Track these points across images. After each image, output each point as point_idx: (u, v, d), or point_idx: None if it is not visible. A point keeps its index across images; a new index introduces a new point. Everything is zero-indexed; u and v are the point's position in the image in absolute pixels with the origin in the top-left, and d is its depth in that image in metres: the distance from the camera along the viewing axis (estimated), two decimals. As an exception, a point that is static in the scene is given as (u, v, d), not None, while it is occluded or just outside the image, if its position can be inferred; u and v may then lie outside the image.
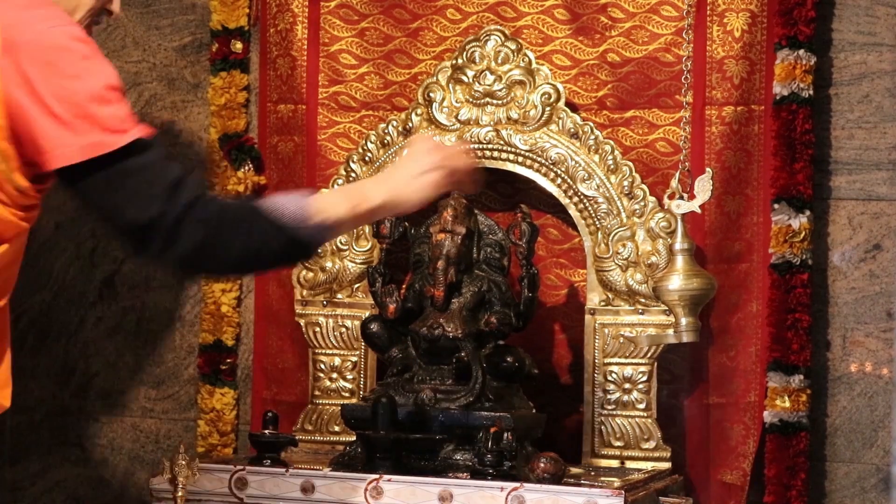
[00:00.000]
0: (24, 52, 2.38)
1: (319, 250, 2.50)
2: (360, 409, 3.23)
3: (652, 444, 3.40)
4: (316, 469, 3.13)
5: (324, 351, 3.60)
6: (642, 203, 3.43)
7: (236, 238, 2.37)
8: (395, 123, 3.57)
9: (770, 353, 3.44)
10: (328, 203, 2.43)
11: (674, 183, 3.34)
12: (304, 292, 3.61)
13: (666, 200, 3.35)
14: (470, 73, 3.53)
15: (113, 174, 2.34)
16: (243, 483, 3.11)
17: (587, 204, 3.45)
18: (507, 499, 2.93)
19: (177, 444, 3.05)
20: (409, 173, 2.52)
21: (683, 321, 3.26)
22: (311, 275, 3.60)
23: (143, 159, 2.35)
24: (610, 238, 3.43)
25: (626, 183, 3.43)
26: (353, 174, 3.58)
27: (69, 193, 2.41)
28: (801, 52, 3.44)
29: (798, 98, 3.43)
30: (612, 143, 3.46)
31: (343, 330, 3.59)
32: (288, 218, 2.37)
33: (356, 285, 3.58)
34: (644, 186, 3.43)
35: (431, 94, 3.55)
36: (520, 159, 3.50)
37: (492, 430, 3.01)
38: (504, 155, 3.51)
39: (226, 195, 2.35)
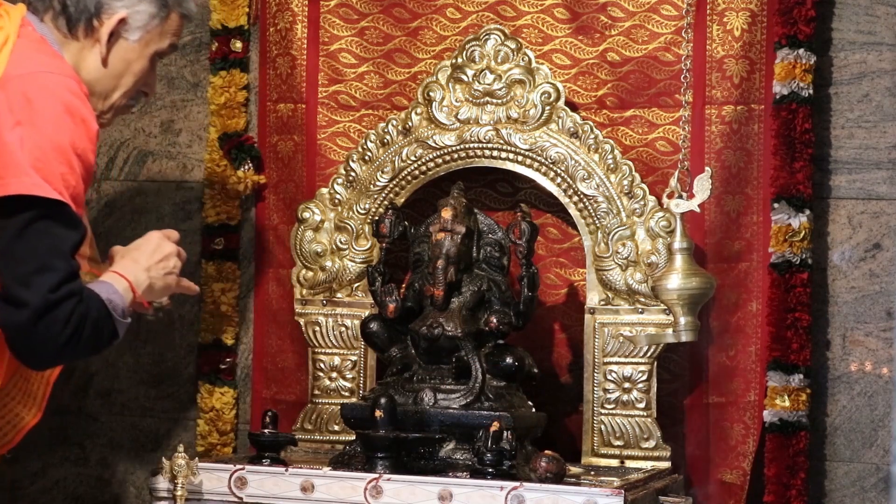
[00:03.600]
0: (14, 84, 2.50)
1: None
2: (359, 409, 3.23)
3: (651, 444, 3.40)
4: (315, 468, 3.13)
5: (323, 350, 3.60)
6: (642, 202, 3.43)
7: (93, 341, 2.57)
8: (394, 122, 3.57)
9: (770, 353, 3.44)
10: (125, 291, 2.67)
11: (673, 182, 3.34)
12: (304, 291, 3.61)
13: (665, 199, 3.35)
14: (470, 73, 3.53)
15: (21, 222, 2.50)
16: (243, 482, 3.11)
17: (587, 203, 3.45)
18: (506, 498, 2.93)
19: (176, 443, 3.05)
20: (161, 270, 2.77)
21: (682, 320, 3.26)
22: (310, 274, 3.60)
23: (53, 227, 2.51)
24: (609, 237, 3.43)
25: (625, 182, 3.43)
26: (352, 173, 3.58)
27: None
28: (801, 51, 3.44)
29: (798, 97, 3.43)
30: (611, 142, 3.46)
31: (343, 329, 3.59)
32: (118, 313, 2.62)
33: (356, 284, 3.58)
34: (644, 185, 3.43)
35: (431, 94, 3.55)
36: (519, 158, 3.50)
37: (491, 429, 3.01)
38: (504, 154, 3.51)
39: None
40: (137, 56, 2.79)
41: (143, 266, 2.73)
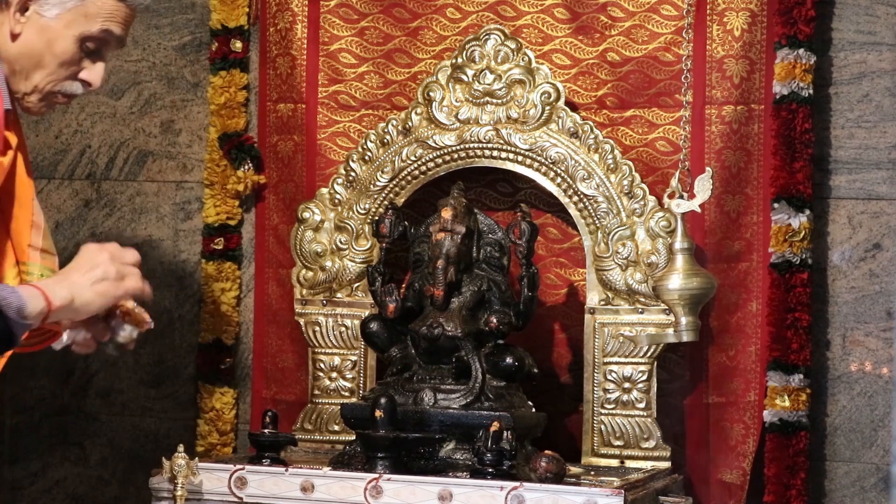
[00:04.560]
0: None
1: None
2: (359, 409, 3.23)
3: (652, 444, 3.40)
4: (315, 468, 3.13)
5: (323, 350, 3.60)
6: (642, 202, 3.43)
7: None
8: (394, 122, 3.57)
9: (770, 353, 3.44)
10: (32, 297, 2.44)
11: (674, 182, 3.34)
12: (304, 291, 3.61)
13: (666, 200, 3.35)
14: (470, 73, 3.53)
15: None
16: (243, 482, 3.11)
17: (587, 203, 3.45)
18: (506, 498, 2.93)
19: (176, 443, 3.04)
20: (88, 280, 2.51)
21: (683, 320, 3.26)
22: (310, 274, 3.60)
23: None
24: (610, 237, 3.43)
25: (625, 182, 3.43)
26: (352, 173, 3.58)
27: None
28: (801, 51, 3.44)
29: (798, 97, 3.43)
30: (611, 142, 3.46)
31: (343, 329, 3.59)
32: (12, 311, 2.40)
33: (356, 284, 3.58)
34: (644, 186, 3.43)
35: (431, 94, 3.55)
36: (519, 158, 3.50)
37: (491, 429, 3.01)
38: (504, 154, 3.51)
39: None
40: (57, 36, 2.56)
41: (71, 279, 2.51)
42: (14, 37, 2.54)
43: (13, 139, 2.56)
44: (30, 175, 2.66)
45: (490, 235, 3.38)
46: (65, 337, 2.62)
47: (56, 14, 2.55)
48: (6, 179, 2.56)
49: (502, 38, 3.52)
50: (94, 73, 2.63)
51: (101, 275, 2.52)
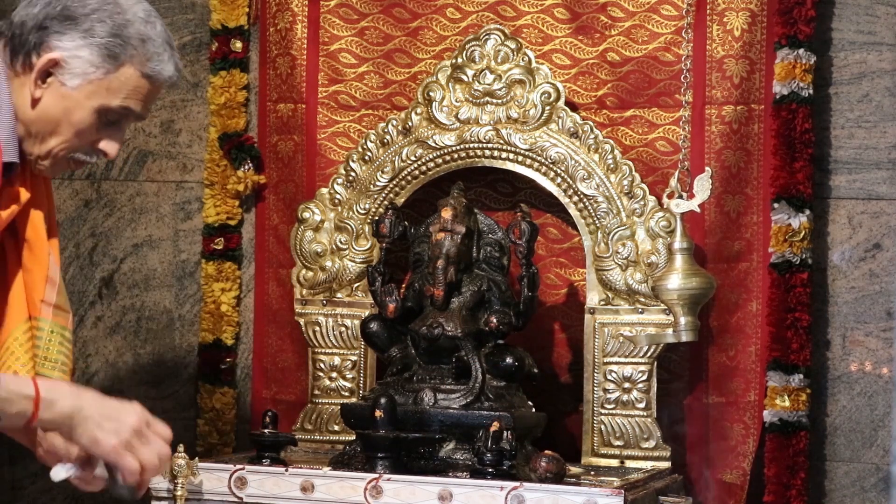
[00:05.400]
0: None
1: None
2: (359, 409, 3.23)
3: (651, 444, 3.40)
4: (315, 468, 3.13)
5: (323, 350, 3.60)
6: (642, 202, 3.43)
7: None
8: (394, 122, 3.57)
9: (770, 353, 3.44)
10: (22, 398, 2.31)
11: (673, 182, 3.34)
12: (304, 291, 3.61)
13: (665, 200, 3.35)
14: (470, 73, 3.53)
15: None
16: (243, 482, 3.11)
17: (587, 203, 3.45)
18: (506, 498, 2.93)
19: (176, 443, 3.04)
20: (100, 418, 2.36)
21: (683, 320, 3.26)
22: (310, 274, 3.60)
23: None
24: (609, 237, 3.43)
25: (625, 182, 3.43)
26: (352, 173, 3.58)
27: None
28: (801, 51, 3.44)
29: (798, 97, 3.43)
30: (611, 142, 3.46)
31: (343, 329, 3.59)
32: None
33: (356, 284, 3.58)
34: (644, 185, 3.44)
35: (431, 94, 3.55)
36: (519, 158, 3.50)
37: (491, 429, 3.01)
38: (504, 154, 3.51)
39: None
40: (76, 105, 2.48)
41: (89, 403, 2.35)
42: (34, 101, 2.49)
43: (24, 195, 2.52)
44: (53, 234, 2.61)
45: (490, 235, 3.38)
46: (63, 471, 2.54)
47: (77, 84, 2.48)
48: (20, 232, 2.53)
49: (502, 38, 3.52)
50: (111, 145, 2.56)
51: (115, 428, 2.37)
